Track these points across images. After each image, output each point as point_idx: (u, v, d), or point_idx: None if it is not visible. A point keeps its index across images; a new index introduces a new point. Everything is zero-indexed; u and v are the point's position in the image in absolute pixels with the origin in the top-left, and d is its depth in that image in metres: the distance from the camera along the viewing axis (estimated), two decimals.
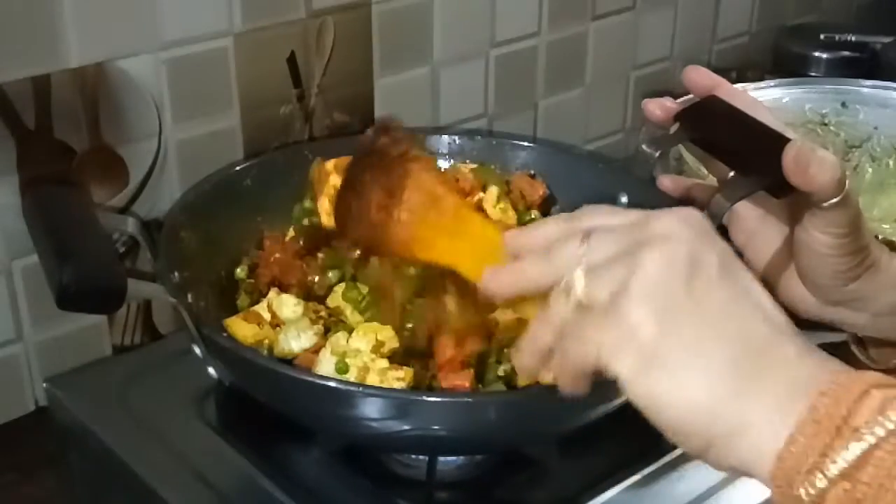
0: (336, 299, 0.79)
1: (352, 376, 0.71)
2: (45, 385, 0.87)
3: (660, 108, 0.80)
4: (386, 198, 0.63)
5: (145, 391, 0.84)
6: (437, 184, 0.64)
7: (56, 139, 0.84)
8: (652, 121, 0.82)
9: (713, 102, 0.80)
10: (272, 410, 0.74)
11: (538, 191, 0.92)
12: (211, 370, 0.74)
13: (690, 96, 0.82)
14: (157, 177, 0.90)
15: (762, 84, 1.26)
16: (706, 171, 1.06)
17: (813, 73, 1.38)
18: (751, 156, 0.78)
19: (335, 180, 0.76)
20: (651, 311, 0.51)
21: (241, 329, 0.76)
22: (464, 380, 0.72)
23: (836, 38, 1.40)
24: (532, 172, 0.94)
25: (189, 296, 0.77)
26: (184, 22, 0.88)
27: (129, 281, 0.66)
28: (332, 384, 0.68)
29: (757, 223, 0.78)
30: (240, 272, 0.84)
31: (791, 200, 0.74)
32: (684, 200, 0.84)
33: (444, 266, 0.64)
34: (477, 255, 0.61)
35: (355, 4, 0.99)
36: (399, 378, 0.71)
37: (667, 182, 0.85)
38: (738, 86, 1.26)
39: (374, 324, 0.75)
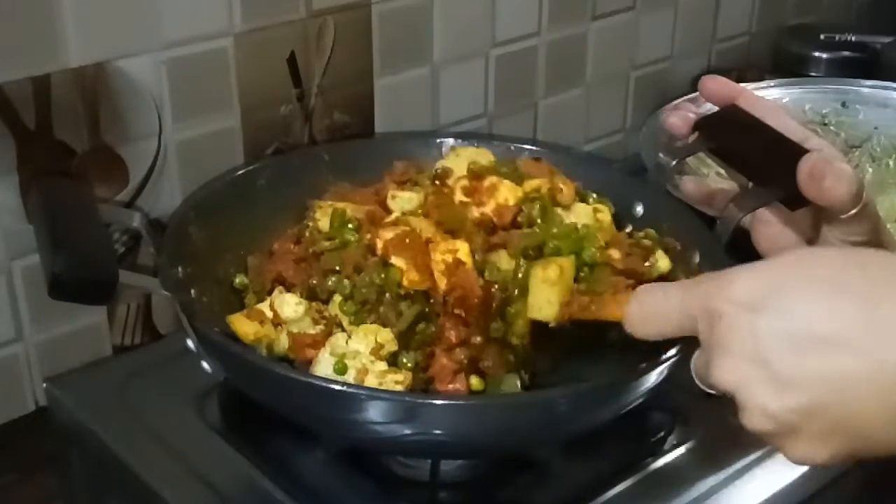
0: (335, 307, 0.79)
1: (350, 378, 0.71)
2: (44, 385, 0.87)
3: (682, 120, 0.80)
4: None
5: (145, 391, 0.84)
6: None
7: (56, 139, 0.84)
8: (675, 134, 0.81)
9: (733, 112, 0.80)
10: (272, 410, 0.74)
11: (545, 172, 0.91)
12: (205, 364, 0.74)
13: (710, 105, 0.82)
14: (156, 177, 0.90)
15: (762, 84, 1.26)
16: (705, 171, 1.06)
17: (813, 73, 1.38)
18: (767, 167, 0.78)
19: None
20: None
21: (243, 326, 0.76)
22: (459, 384, 0.72)
23: (837, 38, 1.40)
24: (537, 156, 0.93)
25: (193, 291, 0.77)
26: (184, 22, 0.88)
27: (124, 272, 0.67)
28: (313, 381, 0.68)
29: (780, 229, 0.77)
30: (238, 282, 0.84)
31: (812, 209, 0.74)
32: (705, 205, 0.84)
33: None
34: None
35: (355, 4, 0.99)
36: (398, 381, 0.71)
37: (690, 185, 0.84)
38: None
39: (374, 325, 0.75)
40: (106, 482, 0.83)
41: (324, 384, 0.67)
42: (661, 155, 0.89)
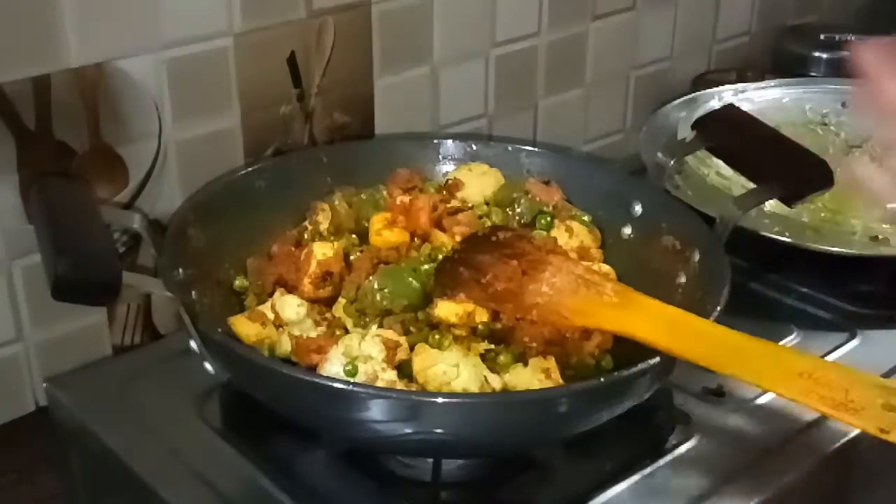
0: (339, 309, 0.79)
1: (360, 381, 0.71)
2: (45, 385, 0.87)
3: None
4: (516, 274, 0.76)
5: (145, 391, 0.84)
6: (588, 271, 0.77)
7: (56, 139, 0.84)
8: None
9: (731, 111, 0.80)
10: (273, 410, 0.74)
11: (553, 196, 0.91)
12: (207, 365, 0.74)
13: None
14: (156, 177, 0.90)
15: (762, 84, 1.26)
16: (704, 171, 1.06)
17: (813, 74, 1.38)
18: (766, 165, 0.78)
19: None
20: None
21: (245, 328, 0.76)
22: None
23: (836, 38, 1.40)
24: (547, 179, 0.94)
25: (193, 293, 0.77)
26: (184, 22, 0.88)
27: (127, 273, 0.66)
28: (317, 380, 0.68)
29: None
30: (238, 284, 0.84)
31: None
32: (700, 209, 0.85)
33: (613, 332, 0.74)
34: (654, 325, 0.70)
35: (355, 4, 0.99)
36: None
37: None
38: (739, 86, 1.27)
39: (390, 331, 0.74)
40: (106, 482, 0.83)
41: (327, 383, 0.67)
42: (659, 154, 0.89)
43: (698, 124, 0.83)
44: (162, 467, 0.76)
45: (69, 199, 0.73)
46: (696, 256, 0.83)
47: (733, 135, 0.82)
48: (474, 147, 0.97)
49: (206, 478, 0.75)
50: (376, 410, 0.66)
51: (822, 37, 1.41)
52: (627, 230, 0.91)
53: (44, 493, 0.86)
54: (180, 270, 0.77)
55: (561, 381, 0.73)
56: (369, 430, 0.70)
